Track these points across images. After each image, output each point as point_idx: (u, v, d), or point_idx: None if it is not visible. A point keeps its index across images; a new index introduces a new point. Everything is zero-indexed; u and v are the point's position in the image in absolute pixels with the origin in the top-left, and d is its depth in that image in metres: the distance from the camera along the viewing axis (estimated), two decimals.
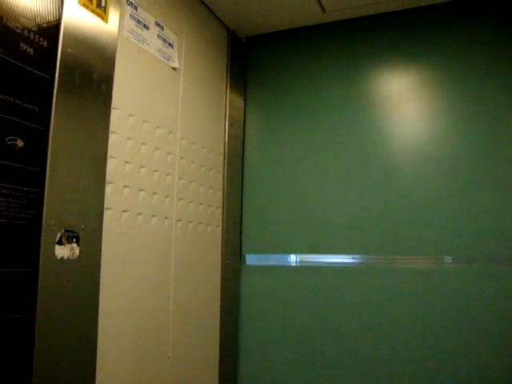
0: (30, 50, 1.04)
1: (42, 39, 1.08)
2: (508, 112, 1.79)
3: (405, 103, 1.96)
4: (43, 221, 1.08)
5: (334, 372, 1.90)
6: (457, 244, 1.79)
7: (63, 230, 1.14)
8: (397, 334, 1.82)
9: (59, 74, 1.13)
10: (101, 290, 1.27)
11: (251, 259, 2.11)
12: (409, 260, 1.84)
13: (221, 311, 1.95)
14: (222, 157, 2.04)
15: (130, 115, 1.46)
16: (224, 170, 2.04)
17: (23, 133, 1.04)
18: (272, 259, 2.07)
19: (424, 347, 1.78)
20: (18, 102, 1.02)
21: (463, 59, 1.89)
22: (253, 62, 2.27)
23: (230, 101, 2.11)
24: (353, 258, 1.93)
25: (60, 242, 1.13)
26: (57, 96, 1.12)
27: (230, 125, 2.10)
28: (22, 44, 1.02)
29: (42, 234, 1.08)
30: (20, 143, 1.03)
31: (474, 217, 1.78)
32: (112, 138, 1.36)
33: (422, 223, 1.84)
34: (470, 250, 1.76)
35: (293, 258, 2.04)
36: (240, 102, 2.20)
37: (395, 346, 1.82)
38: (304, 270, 2.01)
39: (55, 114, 1.11)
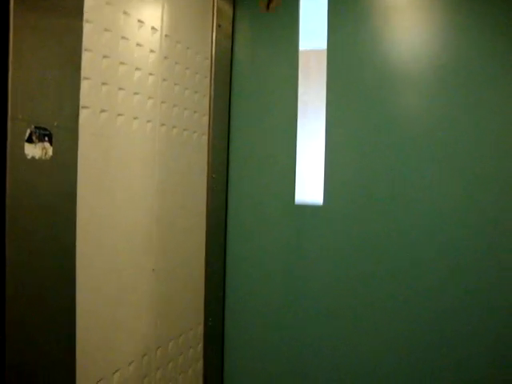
0: None
1: None
2: None
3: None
4: (8, 114, 0.96)
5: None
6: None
7: (33, 127, 1.02)
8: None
9: None
10: (78, 195, 1.18)
11: (238, 172, 2.03)
12: None
13: (207, 223, 1.89)
14: (208, 61, 1.89)
15: (107, 3, 1.29)
16: (211, 75, 1.90)
17: None
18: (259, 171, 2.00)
19: None
20: None
21: None
22: None
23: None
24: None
25: (30, 140, 1.02)
26: None
27: (218, 26, 1.93)
28: None
29: (8, 130, 0.96)
30: None
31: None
32: (87, 28, 1.21)
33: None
34: None
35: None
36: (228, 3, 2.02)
37: None
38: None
39: None
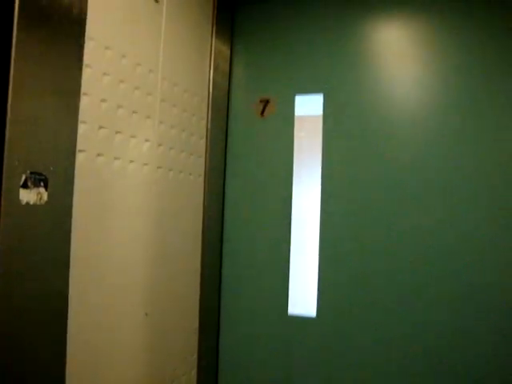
0: None
1: None
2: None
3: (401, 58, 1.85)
4: (5, 161, 0.95)
5: None
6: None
7: (29, 172, 1.01)
8: None
9: None
10: (72, 240, 1.16)
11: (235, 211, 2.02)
12: None
13: (202, 266, 1.87)
14: (205, 102, 1.90)
15: (106, 48, 1.30)
16: (208, 117, 1.91)
17: None
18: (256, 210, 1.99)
19: None
20: None
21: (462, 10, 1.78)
22: (241, 5, 2.09)
23: (215, 42, 1.94)
24: None
25: (25, 186, 1.00)
26: (19, 17, 0.97)
27: (215, 68, 1.95)
28: None
29: (4, 176, 0.95)
30: None
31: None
32: (86, 73, 1.21)
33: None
34: None
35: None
36: (226, 44, 2.04)
37: None
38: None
39: (17, 37, 0.96)
